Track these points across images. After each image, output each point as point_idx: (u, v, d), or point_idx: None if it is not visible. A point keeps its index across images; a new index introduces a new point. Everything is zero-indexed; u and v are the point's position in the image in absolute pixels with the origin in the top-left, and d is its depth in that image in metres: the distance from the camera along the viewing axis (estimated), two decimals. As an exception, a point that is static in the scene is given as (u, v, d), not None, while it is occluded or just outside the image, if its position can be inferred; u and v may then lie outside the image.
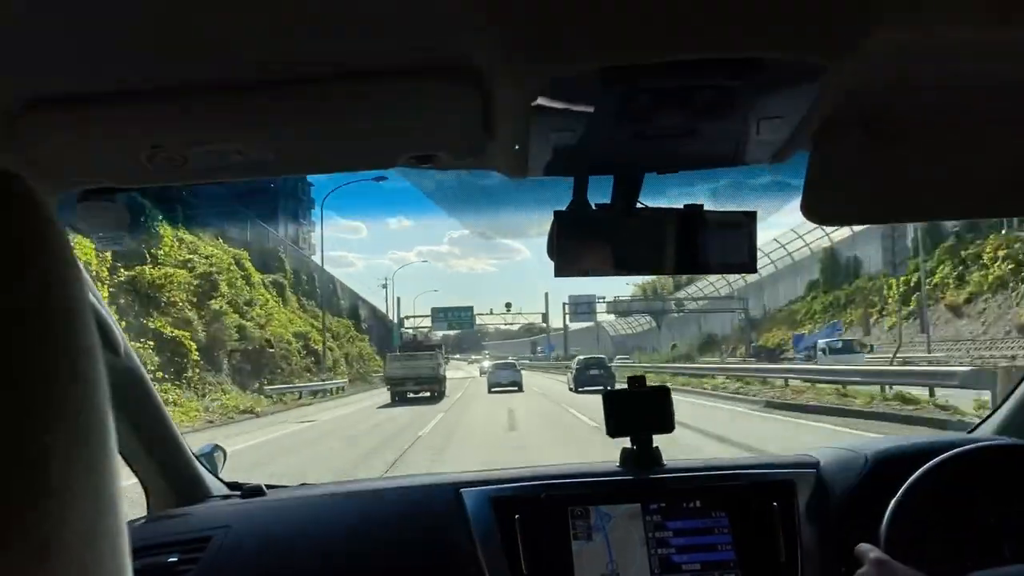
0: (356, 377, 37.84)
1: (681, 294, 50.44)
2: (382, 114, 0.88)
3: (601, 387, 18.05)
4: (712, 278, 46.16)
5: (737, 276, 40.91)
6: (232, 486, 1.92)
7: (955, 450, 1.33)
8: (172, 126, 0.88)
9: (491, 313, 61.57)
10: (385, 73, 0.82)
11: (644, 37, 0.76)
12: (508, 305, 64.14)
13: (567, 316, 57.66)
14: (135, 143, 0.90)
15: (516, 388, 27.36)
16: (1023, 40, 0.83)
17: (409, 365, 26.40)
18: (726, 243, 1.21)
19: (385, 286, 70.41)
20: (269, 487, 1.83)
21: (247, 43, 0.76)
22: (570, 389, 25.04)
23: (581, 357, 28.85)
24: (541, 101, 0.85)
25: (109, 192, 1.12)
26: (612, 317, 65.94)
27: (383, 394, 26.87)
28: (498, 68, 0.80)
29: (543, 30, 0.75)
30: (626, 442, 1.62)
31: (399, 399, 24.93)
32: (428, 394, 25.54)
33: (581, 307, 55.69)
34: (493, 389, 27.48)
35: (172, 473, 1.78)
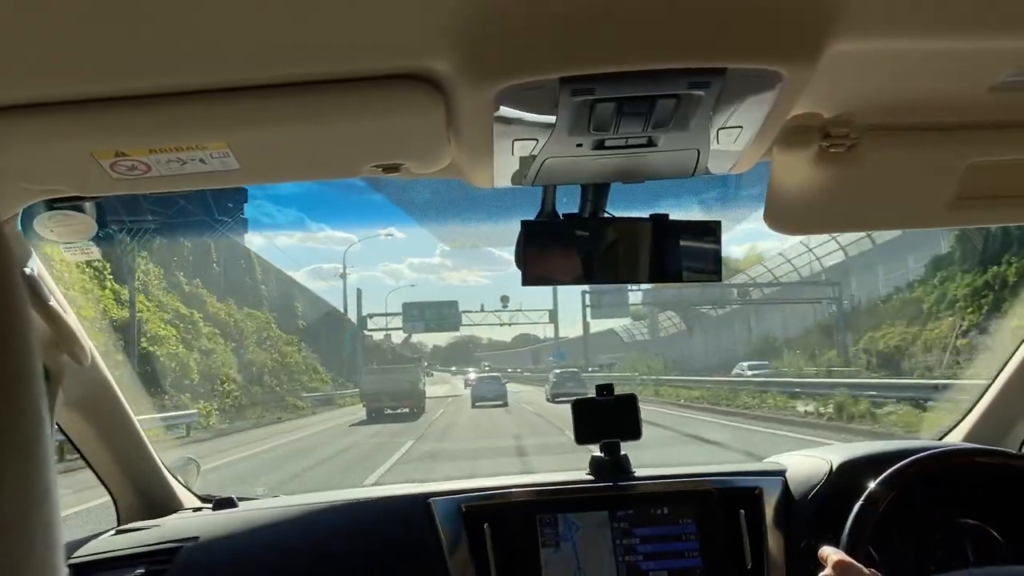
0: (266, 401, 27.01)
1: (740, 279, 35.54)
2: (345, 121, 0.88)
3: (575, 396, 19.68)
4: (775, 262, 34.64)
5: (813, 258, 31.33)
6: (205, 499, 1.90)
7: (916, 456, 1.34)
8: (135, 134, 0.87)
9: (482, 310, 44.03)
10: (347, 80, 0.83)
11: (602, 47, 0.77)
12: (504, 299, 49.48)
13: (588, 312, 40.08)
14: (98, 151, 0.90)
15: (501, 403, 25.31)
16: (975, 51, 0.85)
17: (386, 380, 24.74)
18: (693, 251, 1.23)
19: (344, 276, 41.69)
20: (241, 499, 1.82)
21: (208, 50, 0.76)
22: (547, 400, 25.82)
23: (557, 371, 30.08)
24: (502, 109, 0.86)
25: (75, 201, 1.11)
26: (628, 321, 49.68)
27: (310, 430, 20.19)
28: (459, 76, 0.81)
29: (503, 39, 0.76)
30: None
31: (374, 416, 23.14)
32: (406, 410, 23.98)
33: (607, 298, 36.79)
34: (477, 404, 25.57)
35: (142, 485, 1.76)
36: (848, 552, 1.22)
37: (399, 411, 23.98)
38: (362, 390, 26.36)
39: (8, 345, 0.28)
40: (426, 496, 1.58)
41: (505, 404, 25.14)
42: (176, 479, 1.88)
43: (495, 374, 32.35)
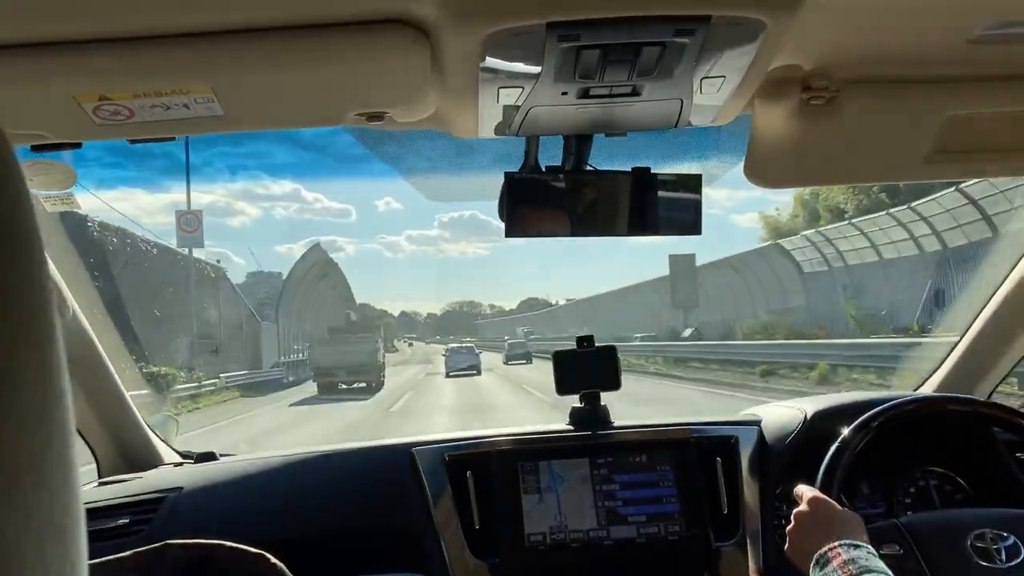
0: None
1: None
2: (330, 67, 0.88)
3: (524, 360, 29.84)
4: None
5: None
6: (185, 455, 1.91)
7: (887, 404, 1.38)
8: (118, 78, 0.87)
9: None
10: (331, 25, 0.83)
11: None
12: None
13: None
14: (80, 95, 0.89)
15: (475, 371, 25.63)
16: (953, 4, 0.87)
17: (340, 352, 22.40)
18: (673, 205, 1.25)
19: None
20: (223, 455, 1.83)
21: None
22: (504, 363, 30.57)
23: (512, 341, 35.77)
24: (487, 56, 0.86)
25: (55, 149, 1.10)
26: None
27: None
28: (444, 21, 0.81)
29: None
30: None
31: (326, 392, 20.82)
32: (363, 384, 21.92)
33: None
34: (451, 373, 25.48)
35: (123, 440, 1.77)
36: (823, 487, 1.27)
37: (355, 386, 21.91)
38: (312, 363, 24.03)
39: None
40: (409, 446, 1.60)
41: (478, 372, 25.58)
42: (156, 435, 1.89)
43: (468, 345, 33.18)
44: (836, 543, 1.04)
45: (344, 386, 21.83)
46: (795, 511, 1.16)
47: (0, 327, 0.26)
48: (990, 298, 1.76)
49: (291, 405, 18.10)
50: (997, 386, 1.87)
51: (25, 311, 0.28)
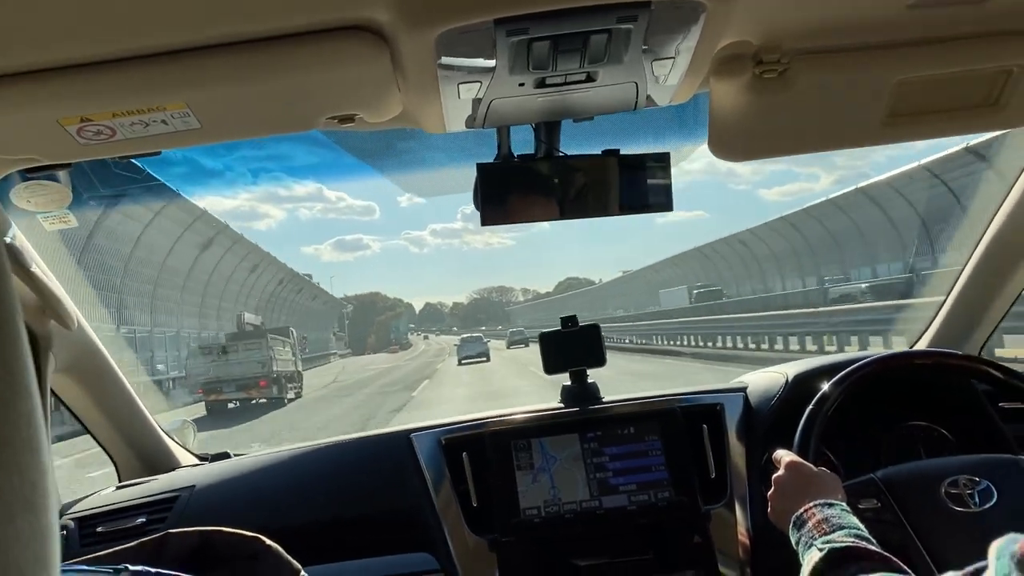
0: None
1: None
2: (296, 76, 0.92)
3: (522, 344, 35.78)
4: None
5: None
6: (202, 458, 1.98)
7: (860, 363, 1.42)
8: (97, 99, 0.91)
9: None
10: (294, 35, 0.87)
11: None
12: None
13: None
14: (63, 118, 0.94)
15: (484, 358, 28.71)
16: None
17: (225, 362, 19.30)
18: (644, 183, 1.29)
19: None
20: (237, 454, 1.90)
21: (161, 12, 0.80)
22: (506, 347, 36.53)
23: (512, 329, 41.54)
24: (443, 55, 0.91)
25: (50, 170, 1.15)
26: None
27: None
28: (397, 24, 0.85)
29: None
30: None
31: (213, 413, 17.86)
32: (263, 400, 18.90)
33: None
34: (463, 361, 28.62)
35: (139, 445, 1.83)
36: (800, 449, 1.31)
37: (255, 402, 18.83)
38: (191, 379, 20.84)
39: None
40: (407, 432, 1.67)
41: (488, 359, 28.67)
42: (173, 439, 1.96)
43: (477, 335, 35.91)
44: (811, 504, 1.07)
45: (232, 405, 18.78)
46: (774, 476, 1.20)
47: None
48: (972, 253, 1.79)
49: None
50: (988, 338, 1.90)
51: None
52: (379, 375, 27.30)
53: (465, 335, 38.84)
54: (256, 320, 26.45)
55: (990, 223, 1.71)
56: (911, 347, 2.04)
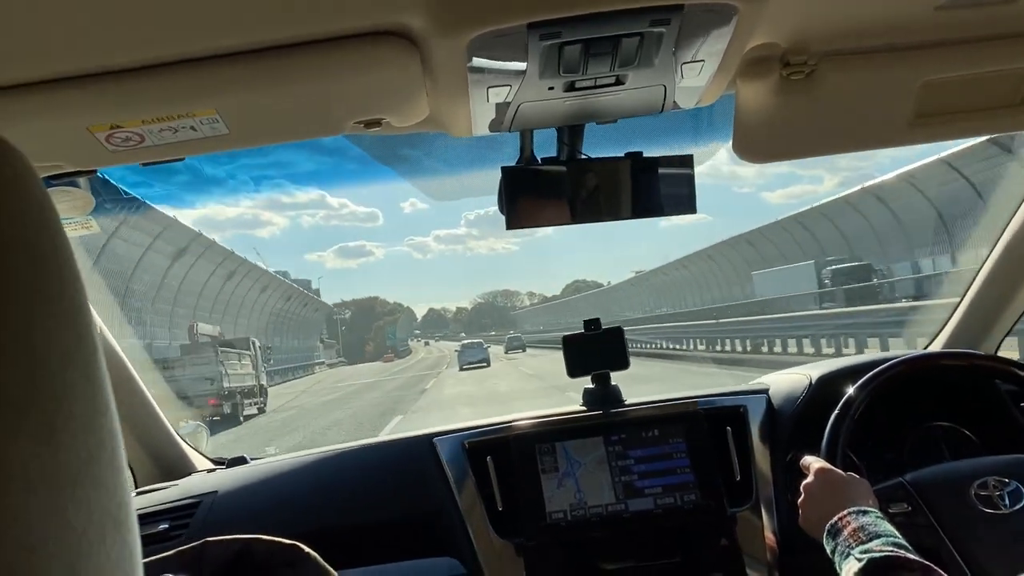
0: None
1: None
2: (326, 81, 0.92)
3: (520, 350, 39.95)
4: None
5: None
6: (216, 462, 1.97)
7: (886, 364, 1.42)
8: (127, 107, 0.91)
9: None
10: (325, 40, 0.87)
11: None
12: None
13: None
14: (93, 126, 0.94)
15: (485, 364, 29.22)
16: None
17: (170, 376, 17.68)
18: (667, 186, 1.29)
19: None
20: (253, 459, 1.90)
21: (191, 19, 0.80)
22: (504, 353, 38.89)
23: (510, 336, 44.41)
24: (475, 58, 0.90)
25: (72, 176, 1.15)
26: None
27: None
28: (430, 29, 0.85)
29: None
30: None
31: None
32: (215, 417, 17.13)
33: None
34: (464, 367, 28.98)
35: (156, 450, 1.83)
36: (827, 455, 1.30)
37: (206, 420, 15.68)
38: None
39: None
40: (430, 436, 1.66)
41: (488, 364, 29.06)
42: (187, 443, 1.96)
43: (478, 341, 39.06)
44: (845, 512, 1.07)
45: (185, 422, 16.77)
46: (803, 483, 1.19)
47: (52, 351, 0.29)
48: (989, 253, 1.79)
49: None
50: (1003, 339, 1.90)
51: (72, 335, 0.31)
52: (341, 400, 20.79)
53: (465, 341, 41.65)
54: (213, 331, 24.56)
55: (1008, 223, 1.70)
56: (926, 347, 2.04)
